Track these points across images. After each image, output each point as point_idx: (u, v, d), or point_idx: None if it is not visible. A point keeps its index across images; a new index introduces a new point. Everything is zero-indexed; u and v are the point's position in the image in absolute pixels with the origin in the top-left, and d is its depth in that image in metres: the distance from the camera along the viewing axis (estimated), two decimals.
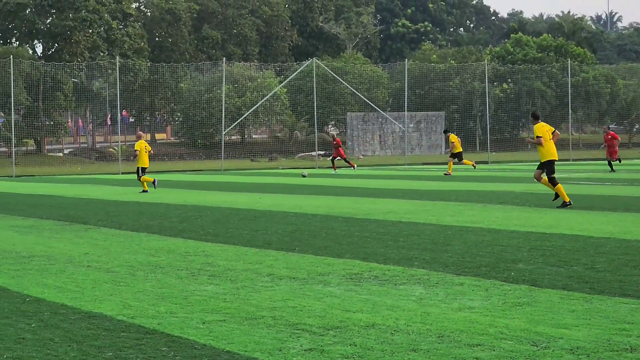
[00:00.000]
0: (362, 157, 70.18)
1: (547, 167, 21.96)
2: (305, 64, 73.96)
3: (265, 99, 73.88)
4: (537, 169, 22.60)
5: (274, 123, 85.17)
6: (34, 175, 53.89)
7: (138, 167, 32.94)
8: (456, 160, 43.22)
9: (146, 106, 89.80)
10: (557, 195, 21.73)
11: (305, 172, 45.66)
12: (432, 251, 13.81)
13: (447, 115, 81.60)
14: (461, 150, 43.65)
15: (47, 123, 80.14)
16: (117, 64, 62.26)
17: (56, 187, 37.77)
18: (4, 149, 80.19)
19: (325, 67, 72.88)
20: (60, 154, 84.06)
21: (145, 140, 35.38)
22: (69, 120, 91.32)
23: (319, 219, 19.76)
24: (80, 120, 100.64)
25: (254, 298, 10.21)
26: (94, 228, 18.74)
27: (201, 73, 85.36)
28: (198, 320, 9.01)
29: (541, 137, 21.83)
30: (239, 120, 70.96)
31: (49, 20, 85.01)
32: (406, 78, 66.88)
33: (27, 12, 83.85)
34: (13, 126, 61.59)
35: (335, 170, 48.94)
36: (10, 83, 59.61)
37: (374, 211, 21.45)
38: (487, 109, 69.12)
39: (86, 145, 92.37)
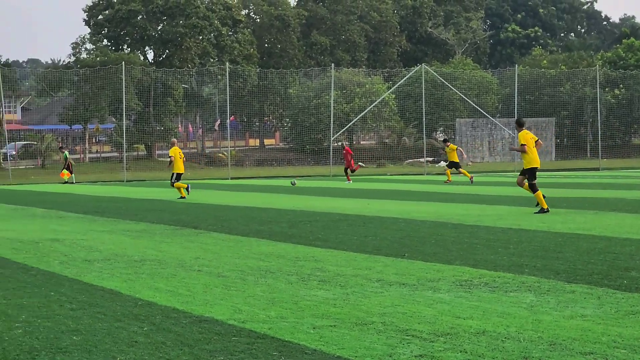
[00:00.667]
0: (471, 163, 69.62)
1: (530, 173, 22.77)
2: (414, 70, 73.72)
3: (373, 105, 73.90)
4: (520, 175, 23.27)
5: (382, 129, 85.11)
6: (144, 180, 54.78)
7: (173, 173, 32.83)
8: (454, 169, 43.46)
9: (255, 112, 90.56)
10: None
11: (295, 180, 44.12)
12: (543, 258, 13.59)
13: (558, 122, 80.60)
14: (458, 160, 43.56)
15: (158, 128, 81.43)
16: (227, 70, 62.91)
17: (166, 191, 38.28)
18: (115, 154, 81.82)
19: (434, 73, 72.53)
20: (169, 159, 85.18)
21: (180, 148, 35.98)
22: (179, 125, 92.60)
23: (428, 225, 19.62)
24: (190, 126, 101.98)
25: (363, 303, 10.16)
26: (205, 232, 18.90)
27: (310, 79, 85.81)
28: (308, 325, 9.00)
29: (525, 144, 22.71)
30: (347, 127, 71.08)
31: (160, 27, 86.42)
32: (516, 84, 66.15)
33: (139, 18, 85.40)
34: (124, 131, 62.71)
35: (349, 180, 45.78)
36: (122, 89, 60.72)
37: (483, 218, 21.24)
38: (599, 115, 68.00)
39: (195, 150, 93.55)
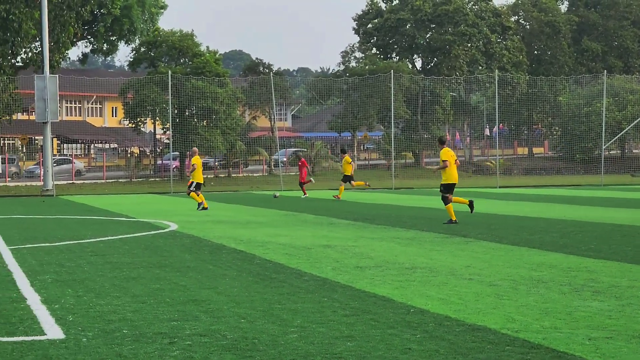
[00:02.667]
0: None
1: (447, 188, 24.49)
2: None
3: None
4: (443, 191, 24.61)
5: None
6: (412, 188, 55.13)
7: (193, 182, 32.01)
8: (347, 184, 40.18)
9: (524, 120, 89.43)
10: (471, 207, 25.88)
11: (277, 193, 42.19)
12: None
13: None
14: (351, 173, 40.02)
15: (425, 136, 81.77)
16: (496, 77, 62.42)
17: (434, 199, 38.38)
18: (383, 162, 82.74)
19: None
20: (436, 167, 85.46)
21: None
22: (447, 133, 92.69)
23: None
24: (457, 134, 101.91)
25: None
26: (474, 241, 18.82)
27: (580, 86, 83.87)
28: (583, 336, 8.79)
29: (447, 160, 24.35)
30: (619, 135, 69.01)
31: (428, 35, 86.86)
32: None
33: (407, 27, 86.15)
34: (392, 139, 63.34)
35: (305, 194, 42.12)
36: (390, 97, 61.36)
37: None
38: None
39: (463, 158, 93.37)
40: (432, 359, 7.96)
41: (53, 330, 9.35)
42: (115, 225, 24.69)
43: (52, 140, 51.78)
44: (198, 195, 31.88)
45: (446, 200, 24.39)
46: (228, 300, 11.32)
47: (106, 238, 20.25)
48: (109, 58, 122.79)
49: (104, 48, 74.01)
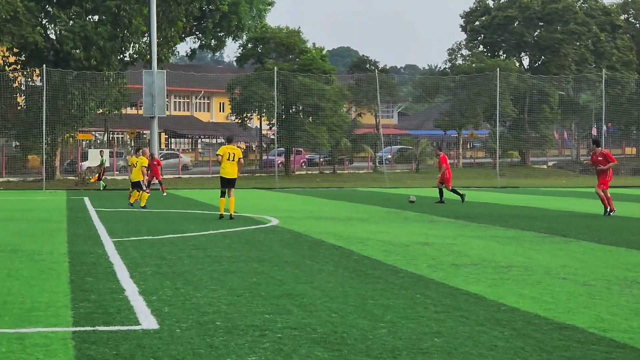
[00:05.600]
0: None
1: None
2: None
3: None
4: None
5: None
6: (518, 187, 54.65)
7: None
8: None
9: (633, 120, 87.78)
10: None
11: (413, 196, 36.21)
12: None
13: None
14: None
15: (533, 135, 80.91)
16: (603, 76, 61.46)
17: (539, 199, 38.08)
18: (489, 160, 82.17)
19: None
20: (545, 166, 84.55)
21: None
22: (555, 132, 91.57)
23: None
24: (565, 133, 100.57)
25: None
26: (574, 241, 18.68)
27: None
28: None
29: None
30: None
31: (536, 33, 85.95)
32: None
33: (516, 25, 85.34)
34: (498, 138, 62.84)
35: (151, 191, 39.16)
36: (496, 95, 60.92)
37: None
38: None
39: (570, 157, 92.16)
40: (517, 356, 8.01)
41: (148, 321, 9.63)
42: (218, 219, 25.06)
43: (160, 134, 52.63)
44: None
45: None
46: (322, 294, 11.48)
47: (208, 232, 20.62)
48: (217, 54, 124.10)
49: (212, 44, 74.90)
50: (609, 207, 26.50)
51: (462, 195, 34.19)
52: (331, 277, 13.09)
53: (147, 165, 32.21)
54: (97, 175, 49.27)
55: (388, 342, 8.63)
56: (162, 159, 55.06)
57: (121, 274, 13.36)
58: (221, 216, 25.10)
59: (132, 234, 20.17)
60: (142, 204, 30.70)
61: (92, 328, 9.20)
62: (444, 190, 34.60)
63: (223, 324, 9.47)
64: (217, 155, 25.43)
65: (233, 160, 24.73)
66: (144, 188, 31.30)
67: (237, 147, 27.94)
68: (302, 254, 16.21)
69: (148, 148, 40.07)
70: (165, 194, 40.75)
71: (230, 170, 24.76)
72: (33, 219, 25.32)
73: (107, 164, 50.99)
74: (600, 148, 27.18)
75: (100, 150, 55.79)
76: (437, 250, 16.81)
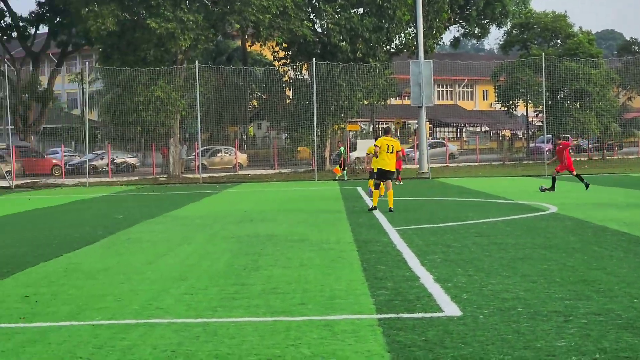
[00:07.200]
0: None
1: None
2: None
3: None
4: None
5: None
6: None
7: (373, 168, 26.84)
8: None
9: None
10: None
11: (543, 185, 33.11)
12: None
13: None
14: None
15: None
16: None
17: None
18: None
19: None
20: None
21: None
22: None
23: None
24: None
25: None
26: None
27: None
28: None
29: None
30: None
31: None
32: None
33: None
34: None
35: None
36: None
37: None
38: None
39: None
40: None
41: (450, 308, 9.71)
42: (495, 207, 24.96)
43: (426, 124, 52.88)
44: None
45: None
46: (618, 280, 11.28)
47: (487, 220, 20.55)
48: (478, 42, 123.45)
49: (476, 32, 74.59)
50: None
51: None
52: (623, 263, 12.83)
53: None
54: (338, 167, 49.85)
55: None
56: (429, 148, 55.25)
57: (411, 261, 13.53)
58: (374, 208, 24.22)
59: (412, 222, 20.37)
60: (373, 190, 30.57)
61: (395, 315, 9.38)
62: None
63: (525, 310, 9.46)
64: (375, 147, 24.95)
65: (391, 152, 24.23)
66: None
67: (396, 139, 26.92)
68: (587, 240, 15.92)
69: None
70: (401, 183, 40.83)
71: (388, 162, 24.21)
72: (312, 210, 25.98)
73: (345, 155, 51.35)
74: None
75: (339, 142, 56.60)
76: None
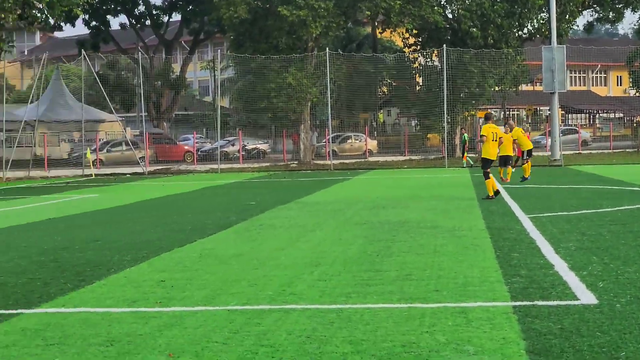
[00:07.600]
0: None
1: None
2: None
3: None
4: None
5: None
6: None
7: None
8: None
9: None
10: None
11: None
12: None
13: None
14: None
15: None
16: None
17: None
18: None
19: None
20: None
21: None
22: None
23: None
24: None
25: None
26: None
27: None
28: None
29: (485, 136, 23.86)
30: None
31: None
32: None
33: None
34: None
35: None
36: None
37: None
38: None
39: None
40: None
41: (585, 296, 9.61)
42: (630, 195, 24.46)
43: (558, 110, 52.05)
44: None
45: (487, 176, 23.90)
46: None
47: (622, 207, 20.18)
48: (612, 26, 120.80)
49: (610, 16, 72.98)
50: None
51: None
52: None
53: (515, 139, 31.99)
54: (465, 154, 49.58)
55: None
56: (561, 134, 54.39)
57: (545, 249, 13.41)
58: (496, 193, 23.89)
59: (546, 210, 20.14)
60: (507, 179, 30.73)
61: (530, 303, 9.32)
62: None
63: None
64: (481, 136, 24.58)
65: (496, 140, 24.36)
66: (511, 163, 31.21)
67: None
68: None
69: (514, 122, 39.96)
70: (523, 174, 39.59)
71: (493, 152, 24.36)
72: (443, 196, 25.94)
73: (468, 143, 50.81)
74: None
75: (462, 128, 56.16)
76: None
